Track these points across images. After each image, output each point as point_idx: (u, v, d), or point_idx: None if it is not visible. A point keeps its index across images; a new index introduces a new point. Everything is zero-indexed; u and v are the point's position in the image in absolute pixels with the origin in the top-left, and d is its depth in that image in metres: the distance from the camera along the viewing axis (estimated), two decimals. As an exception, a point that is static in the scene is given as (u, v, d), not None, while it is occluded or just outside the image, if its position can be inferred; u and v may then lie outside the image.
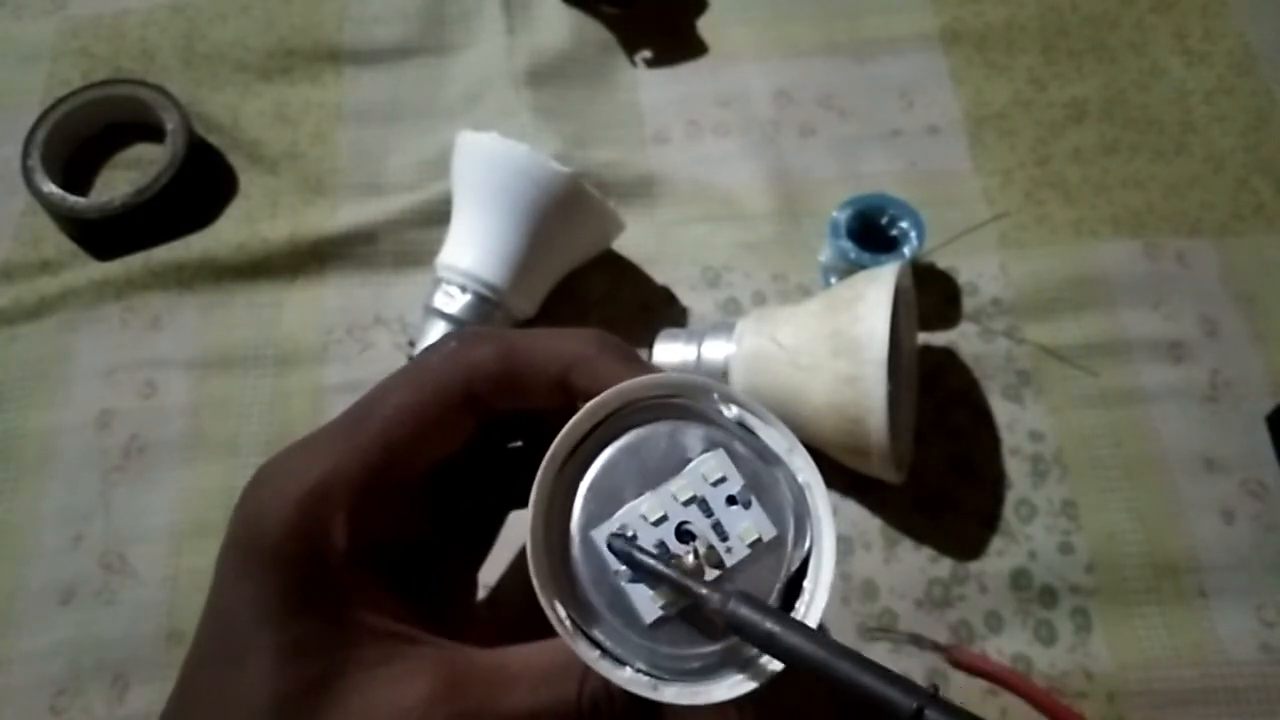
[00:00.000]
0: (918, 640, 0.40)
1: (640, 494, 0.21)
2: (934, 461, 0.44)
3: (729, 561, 0.20)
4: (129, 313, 0.49)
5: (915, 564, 0.42)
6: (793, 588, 0.21)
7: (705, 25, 0.57)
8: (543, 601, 0.19)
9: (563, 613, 0.20)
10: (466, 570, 0.28)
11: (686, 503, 0.21)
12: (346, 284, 0.49)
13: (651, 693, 0.19)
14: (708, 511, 0.21)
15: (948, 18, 0.56)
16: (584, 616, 0.20)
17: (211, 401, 0.47)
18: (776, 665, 0.19)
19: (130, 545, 0.43)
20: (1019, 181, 0.51)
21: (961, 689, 0.40)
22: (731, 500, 0.21)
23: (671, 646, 0.20)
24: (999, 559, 0.42)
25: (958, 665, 0.40)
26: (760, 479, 0.21)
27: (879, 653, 0.41)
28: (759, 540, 0.20)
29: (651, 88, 0.55)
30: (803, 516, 0.21)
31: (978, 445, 0.45)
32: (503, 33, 0.56)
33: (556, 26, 0.56)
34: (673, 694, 0.19)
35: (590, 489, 0.21)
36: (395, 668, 0.21)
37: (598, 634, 0.20)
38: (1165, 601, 0.41)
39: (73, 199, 0.50)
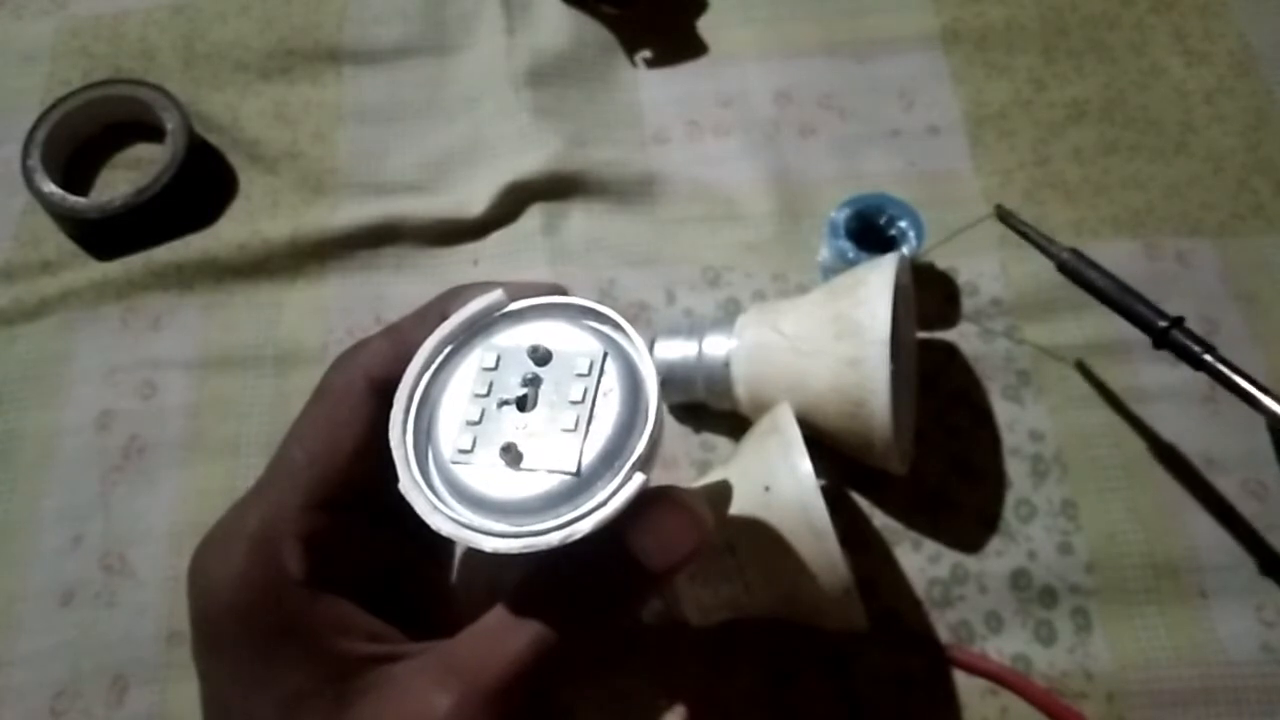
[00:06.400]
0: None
1: (469, 410, 0.23)
2: (934, 461, 0.44)
3: (584, 395, 0.22)
4: (129, 313, 0.49)
5: (915, 564, 0.42)
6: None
7: (705, 25, 0.57)
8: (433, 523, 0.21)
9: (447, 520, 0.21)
10: (439, 572, 0.28)
11: (525, 382, 0.23)
12: (347, 284, 0.49)
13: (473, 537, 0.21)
14: (534, 381, 0.23)
15: (948, 18, 0.56)
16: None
17: (211, 402, 0.47)
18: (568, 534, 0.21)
19: (130, 546, 0.43)
20: (1019, 181, 0.51)
21: (961, 689, 0.40)
22: (545, 358, 0.23)
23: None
24: (999, 559, 0.42)
25: (958, 665, 0.40)
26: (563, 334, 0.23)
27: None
28: (604, 354, 0.22)
29: (651, 88, 0.55)
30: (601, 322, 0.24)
31: (978, 445, 0.45)
32: (503, 33, 0.56)
33: (556, 26, 0.56)
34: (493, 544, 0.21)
35: (431, 432, 0.23)
36: (400, 686, 0.21)
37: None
38: (1165, 601, 0.41)
39: (73, 199, 0.50)
